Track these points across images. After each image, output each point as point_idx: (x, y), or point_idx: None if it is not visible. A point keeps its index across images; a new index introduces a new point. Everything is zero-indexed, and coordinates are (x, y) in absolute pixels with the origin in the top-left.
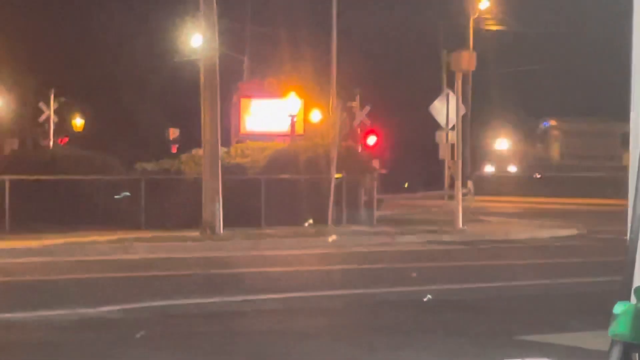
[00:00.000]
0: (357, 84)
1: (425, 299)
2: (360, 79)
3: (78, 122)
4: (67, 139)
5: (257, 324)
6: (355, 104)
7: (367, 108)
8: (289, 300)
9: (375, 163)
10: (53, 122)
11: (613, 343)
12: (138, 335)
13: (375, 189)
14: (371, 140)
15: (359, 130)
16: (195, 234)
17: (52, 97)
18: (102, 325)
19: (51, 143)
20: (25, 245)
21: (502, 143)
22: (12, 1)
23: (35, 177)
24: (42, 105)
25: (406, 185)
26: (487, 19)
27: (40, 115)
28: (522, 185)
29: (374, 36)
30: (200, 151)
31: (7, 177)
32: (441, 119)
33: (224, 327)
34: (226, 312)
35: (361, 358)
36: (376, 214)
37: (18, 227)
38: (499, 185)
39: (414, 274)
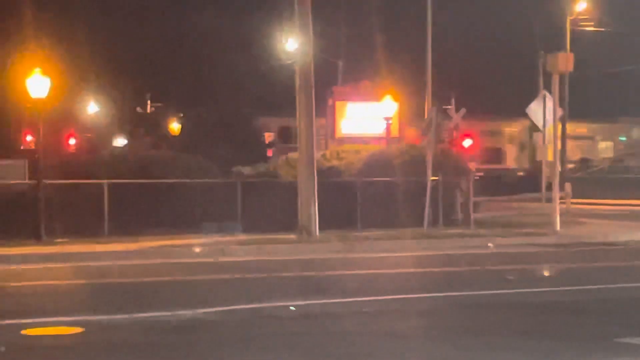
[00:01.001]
0: (453, 86)
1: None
2: (455, 81)
3: (175, 126)
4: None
5: (353, 325)
6: (451, 106)
7: (463, 110)
8: (384, 302)
9: (472, 165)
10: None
11: None
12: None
13: (471, 191)
14: (467, 142)
15: (454, 132)
16: (291, 236)
17: (148, 101)
18: (200, 327)
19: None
20: (124, 248)
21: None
22: (110, 8)
23: (133, 180)
24: (139, 109)
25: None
26: (583, 19)
27: (137, 119)
28: (618, 188)
29: (469, 38)
30: (295, 154)
31: (105, 182)
32: (538, 121)
33: (320, 328)
34: (322, 314)
35: (456, 359)
36: (472, 216)
37: (116, 229)
38: (594, 188)
39: (511, 277)
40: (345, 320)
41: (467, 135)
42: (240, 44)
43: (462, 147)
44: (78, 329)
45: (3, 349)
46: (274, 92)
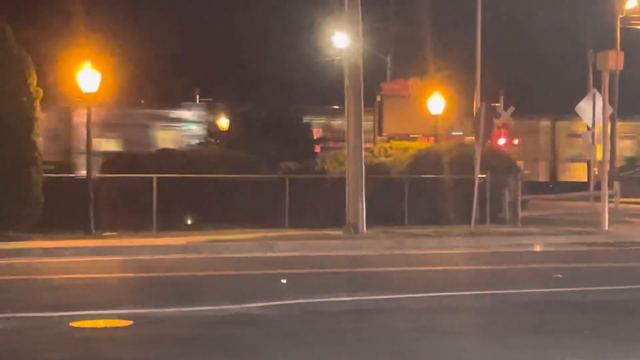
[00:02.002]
0: (501, 84)
1: (558, 276)
2: (504, 79)
3: (223, 122)
4: None
5: (401, 322)
6: (500, 104)
7: (512, 108)
8: (432, 299)
9: (520, 163)
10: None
11: None
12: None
13: (519, 189)
14: (515, 140)
15: (502, 130)
16: (338, 232)
17: (197, 97)
18: (247, 321)
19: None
20: (172, 242)
21: None
22: (160, 3)
23: (181, 175)
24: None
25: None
26: (634, 18)
27: None
28: None
29: (518, 36)
30: (343, 150)
31: (154, 176)
32: (587, 119)
33: (367, 324)
34: (370, 310)
35: (505, 357)
36: (520, 214)
37: (164, 224)
38: None
39: (559, 275)
40: (392, 316)
41: (509, 133)
42: (288, 39)
43: (510, 144)
44: (126, 322)
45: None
46: (323, 88)
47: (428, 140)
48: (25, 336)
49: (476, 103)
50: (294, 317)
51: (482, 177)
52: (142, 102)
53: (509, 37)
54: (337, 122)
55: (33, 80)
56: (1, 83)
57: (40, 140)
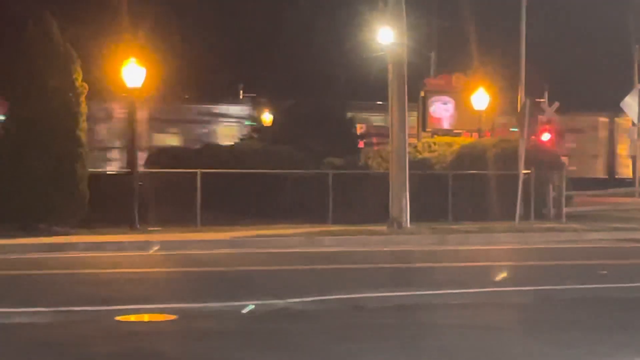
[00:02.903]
0: (546, 79)
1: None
2: (549, 74)
3: (267, 117)
4: None
5: (446, 318)
6: (544, 99)
7: (556, 104)
8: (477, 294)
9: (565, 159)
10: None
11: None
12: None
13: (564, 185)
14: (559, 136)
15: (547, 126)
16: (382, 228)
17: (241, 93)
18: (291, 316)
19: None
20: (216, 237)
21: None
22: (203, 0)
23: (225, 170)
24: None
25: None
26: None
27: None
28: None
29: (563, 31)
30: (387, 146)
31: (198, 171)
32: (633, 115)
33: (410, 320)
34: (414, 305)
35: (553, 353)
36: (565, 210)
37: (208, 219)
38: None
39: (604, 272)
40: (436, 312)
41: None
42: (332, 35)
43: (554, 140)
44: (171, 317)
45: None
46: (366, 84)
47: (472, 135)
48: (72, 330)
49: (520, 98)
50: (338, 312)
51: (527, 173)
52: (186, 97)
53: (554, 32)
54: (381, 118)
55: (78, 76)
56: (47, 79)
57: (85, 136)
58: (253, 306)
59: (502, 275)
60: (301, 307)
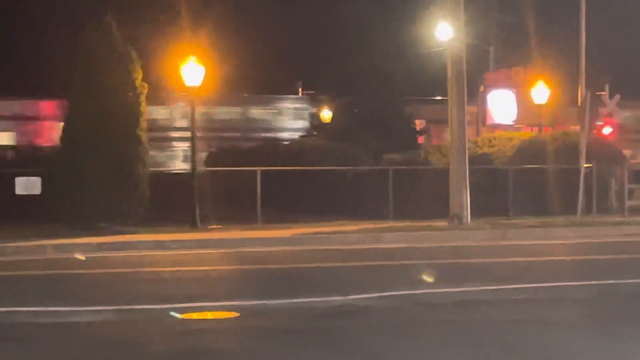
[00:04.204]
0: (606, 72)
1: None
2: (609, 67)
3: (326, 114)
4: None
5: (505, 313)
6: (605, 92)
7: (618, 97)
8: (538, 289)
9: (626, 152)
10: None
11: None
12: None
13: (626, 179)
14: (620, 129)
15: (608, 119)
16: (442, 223)
17: (300, 90)
18: (352, 313)
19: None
20: (277, 235)
21: None
22: None
23: (285, 167)
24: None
25: None
26: None
27: None
28: None
29: (623, 23)
30: (446, 141)
31: (258, 169)
32: None
33: (471, 315)
34: (476, 301)
35: (615, 348)
36: (627, 203)
37: (269, 216)
38: None
39: None
40: (497, 308)
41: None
42: (390, 31)
43: (615, 133)
44: (233, 314)
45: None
46: (425, 79)
47: (532, 130)
48: (135, 328)
49: (581, 92)
50: (399, 309)
51: (588, 167)
52: (245, 95)
53: (614, 24)
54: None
55: (138, 75)
56: (106, 79)
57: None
58: (177, 314)
59: (564, 269)
60: (362, 304)
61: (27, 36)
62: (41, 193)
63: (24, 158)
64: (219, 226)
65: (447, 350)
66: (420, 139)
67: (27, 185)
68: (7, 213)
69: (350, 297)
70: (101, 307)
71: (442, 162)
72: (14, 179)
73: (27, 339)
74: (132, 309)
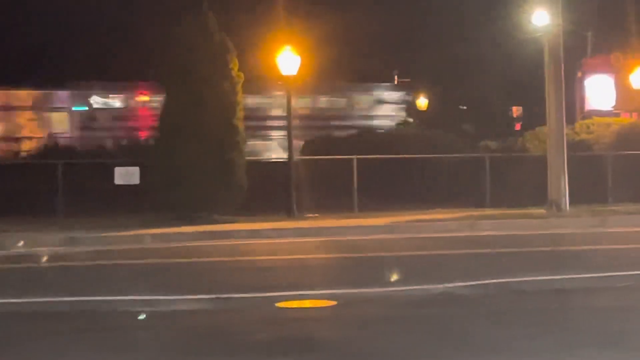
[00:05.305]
0: None
1: None
2: None
3: (422, 102)
4: None
5: (606, 301)
6: None
7: None
8: (639, 277)
9: None
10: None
11: None
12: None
13: None
14: None
15: None
16: (540, 211)
17: (396, 78)
18: (449, 301)
19: None
20: (374, 223)
21: None
22: None
23: (381, 156)
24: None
25: None
26: None
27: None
28: None
29: None
30: (544, 128)
31: (354, 157)
32: None
33: (571, 303)
34: (575, 289)
35: None
36: None
37: (365, 204)
38: None
39: None
40: (597, 295)
41: None
42: (485, 17)
43: None
44: (331, 302)
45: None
46: (521, 65)
47: (631, 115)
48: (233, 316)
49: None
50: (496, 297)
51: None
52: (342, 84)
53: None
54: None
55: (234, 65)
56: (203, 69)
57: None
58: (144, 315)
59: None
60: (460, 292)
61: (123, 28)
62: (139, 183)
63: (123, 148)
64: (315, 215)
65: (549, 338)
66: (518, 126)
67: (126, 175)
68: (106, 203)
69: (448, 284)
70: (200, 296)
71: (539, 148)
72: (113, 169)
73: (127, 328)
74: (230, 298)
